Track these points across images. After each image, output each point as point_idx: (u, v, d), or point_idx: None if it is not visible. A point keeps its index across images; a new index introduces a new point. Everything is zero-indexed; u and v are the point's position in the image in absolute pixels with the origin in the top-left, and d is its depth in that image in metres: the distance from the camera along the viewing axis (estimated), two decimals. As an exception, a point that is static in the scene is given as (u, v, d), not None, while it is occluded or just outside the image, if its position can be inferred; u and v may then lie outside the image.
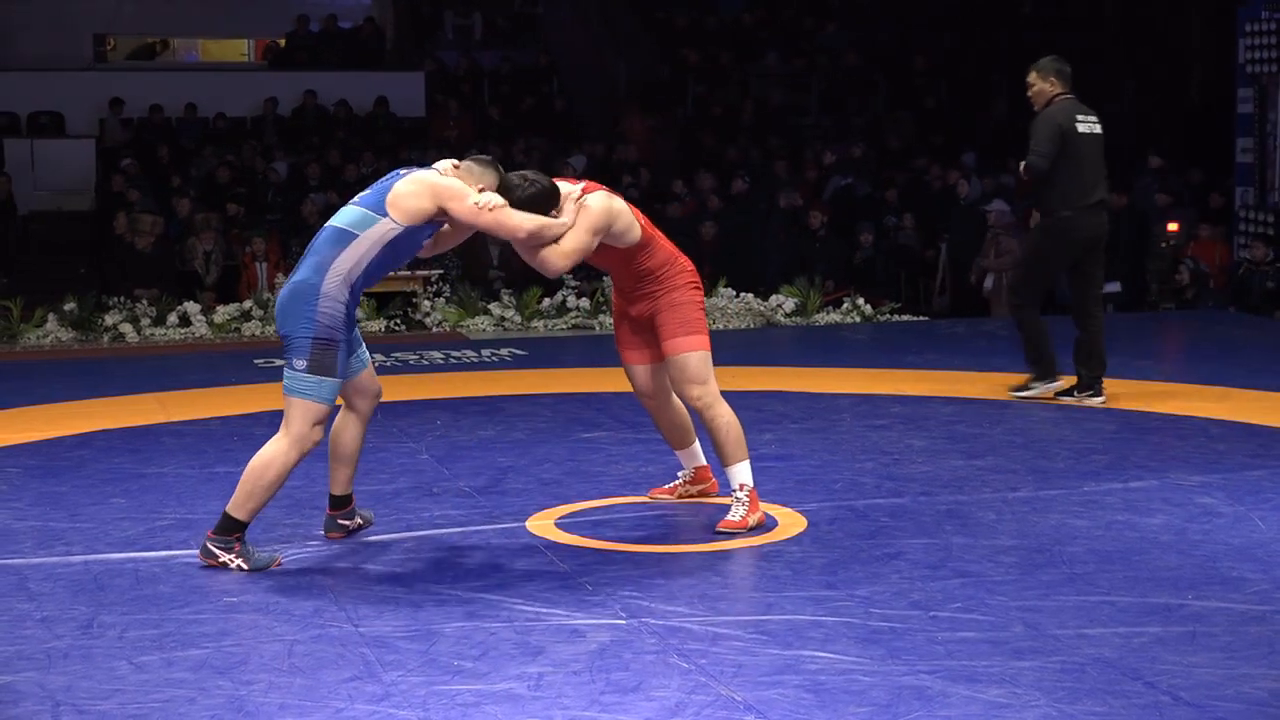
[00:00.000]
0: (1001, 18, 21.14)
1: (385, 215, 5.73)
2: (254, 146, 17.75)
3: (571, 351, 12.12)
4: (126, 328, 13.05)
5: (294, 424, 5.67)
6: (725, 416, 6.15)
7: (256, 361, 11.25)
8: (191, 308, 13.32)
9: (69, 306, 13.13)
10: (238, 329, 13.29)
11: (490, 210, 5.79)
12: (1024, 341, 9.03)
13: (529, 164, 17.60)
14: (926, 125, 19.32)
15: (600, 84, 20.84)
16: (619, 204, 6.09)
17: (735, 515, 6.11)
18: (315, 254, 5.73)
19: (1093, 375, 8.86)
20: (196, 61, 23.50)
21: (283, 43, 21.42)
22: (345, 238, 5.72)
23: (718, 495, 6.56)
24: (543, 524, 6.28)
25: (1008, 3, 21.43)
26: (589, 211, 5.97)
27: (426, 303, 13.67)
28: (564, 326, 13.67)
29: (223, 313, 13.39)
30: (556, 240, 5.92)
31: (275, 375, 10.60)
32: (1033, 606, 5.09)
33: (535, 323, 13.64)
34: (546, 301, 13.73)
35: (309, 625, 4.98)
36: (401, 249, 5.83)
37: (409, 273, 13.75)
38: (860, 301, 13.98)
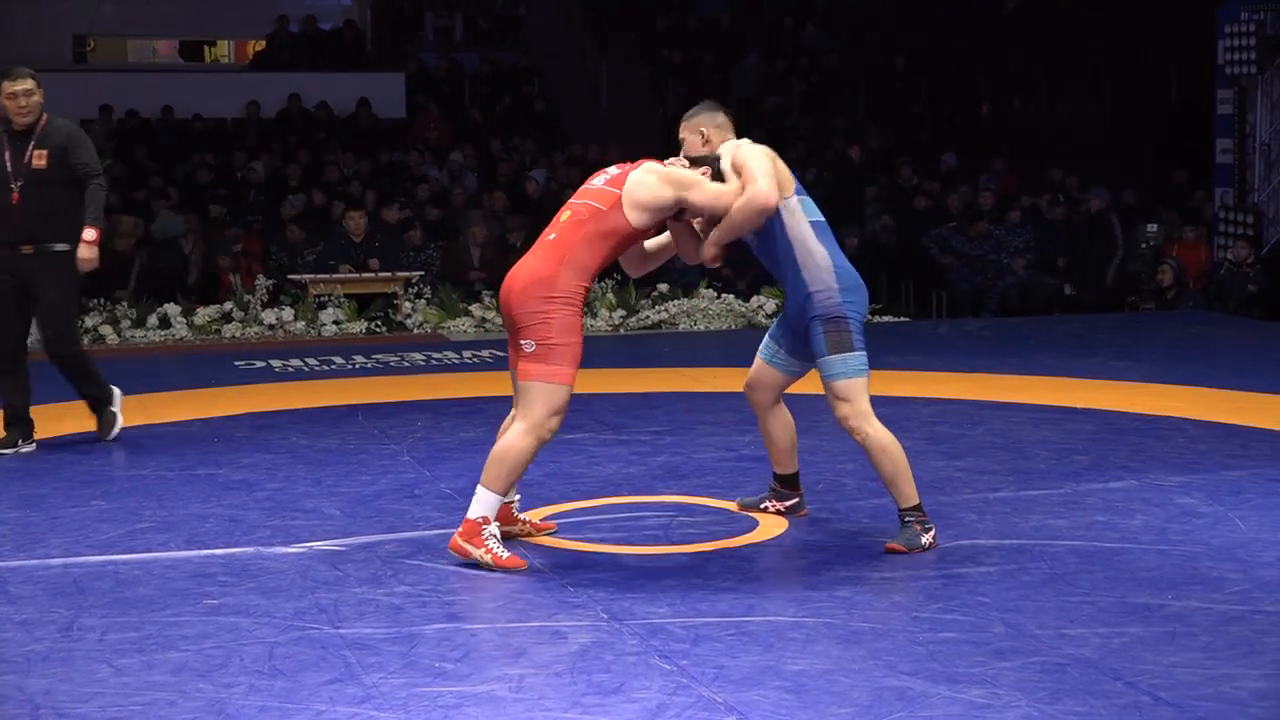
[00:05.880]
0: (984, 19, 21.17)
1: None
2: (236, 148, 17.72)
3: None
4: (106, 329, 13.02)
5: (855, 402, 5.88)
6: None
7: (237, 363, 11.23)
8: (171, 310, 13.28)
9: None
10: (218, 331, 13.26)
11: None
12: (80, 379, 8.22)
13: (510, 165, 17.62)
14: (908, 126, 19.33)
15: (582, 85, 20.84)
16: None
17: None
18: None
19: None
20: (176, 63, 23.45)
21: (262, 44, 21.37)
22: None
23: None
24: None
25: (990, 3, 21.46)
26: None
27: (407, 304, 13.64)
28: (545, 328, 13.64)
29: (203, 314, 13.35)
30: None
31: (255, 376, 10.60)
32: (1014, 607, 5.11)
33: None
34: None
35: (289, 628, 4.98)
36: None
37: (389, 274, 13.75)
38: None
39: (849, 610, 5.09)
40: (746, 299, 13.93)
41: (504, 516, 6.01)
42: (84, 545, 6.05)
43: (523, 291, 5.68)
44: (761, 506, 6.45)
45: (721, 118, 6.11)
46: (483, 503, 5.67)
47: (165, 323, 13.20)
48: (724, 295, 13.90)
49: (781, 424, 6.33)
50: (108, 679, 4.52)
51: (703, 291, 13.84)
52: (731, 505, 6.57)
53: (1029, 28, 20.87)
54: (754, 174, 5.79)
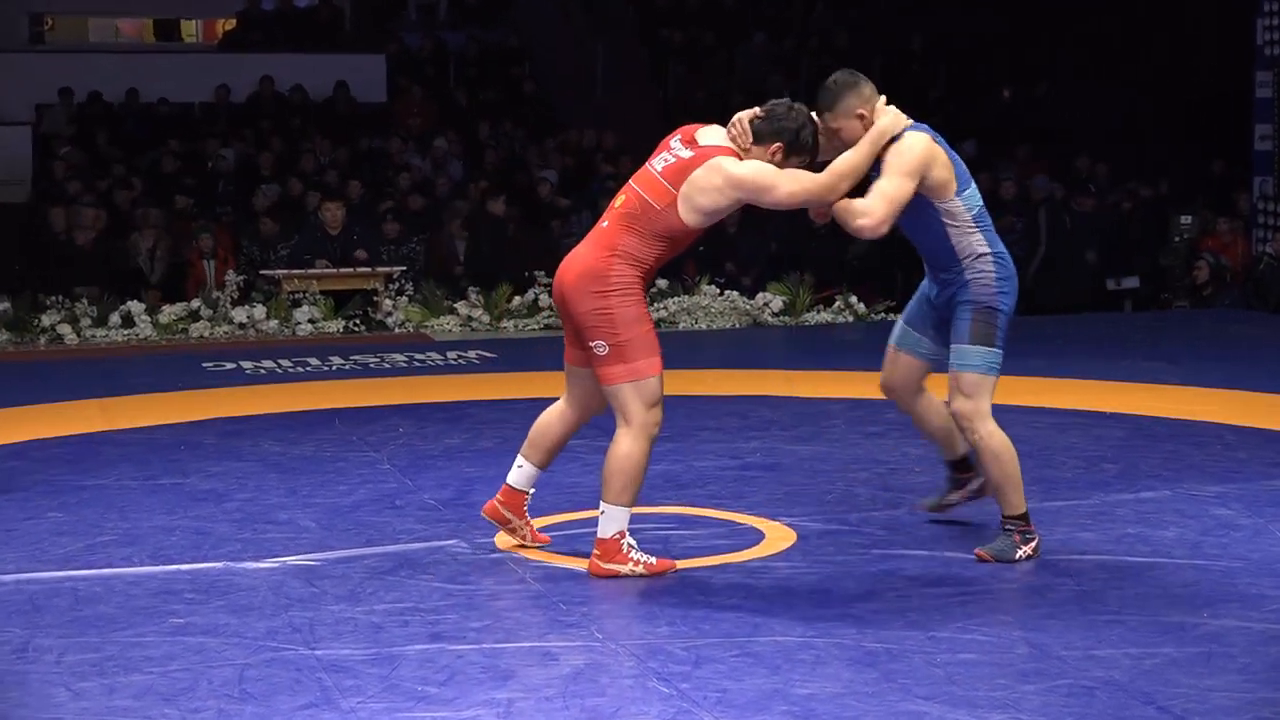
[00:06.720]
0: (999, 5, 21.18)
1: None
2: (205, 134, 17.71)
3: (543, 353, 12.09)
4: (65, 329, 13.01)
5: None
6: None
7: (205, 365, 11.23)
8: (135, 307, 13.28)
9: (2, 306, 13.09)
10: (185, 330, 13.26)
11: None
12: None
13: (498, 152, 17.63)
14: (923, 112, 19.33)
15: (575, 66, 20.84)
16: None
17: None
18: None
19: None
20: (141, 43, 23.43)
21: (233, 23, 21.37)
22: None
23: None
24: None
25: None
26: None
27: (388, 302, 13.65)
28: (535, 327, 13.67)
29: (169, 313, 13.35)
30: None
31: (225, 379, 10.59)
32: (1038, 626, 5.10)
33: (505, 323, 13.63)
34: (517, 300, 13.73)
35: (261, 649, 4.97)
36: None
37: (369, 269, 13.74)
38: (853, 300, 13.99)
39: (861, 630, 5.09)
40: (751, 296, 13.93)
41: (515, 505, 6.09)
42: (40, 560, 6.04)
43: (576, 285, 5.73)
44: (947, 502, 6.44)
45: (868, 89, 5.93)
46: (613, 519, 5.75)
47: (129, 321, 13.21)
48: (727, 292, 13.90)
49: (934, 412, 6.30)
50: (66, 703, 4.51)
51: (704, 288, 13.83)
52: (736, 516, 6.57)
53: (1038, 21, 20.85)
54: (880, 190, 5.69)
